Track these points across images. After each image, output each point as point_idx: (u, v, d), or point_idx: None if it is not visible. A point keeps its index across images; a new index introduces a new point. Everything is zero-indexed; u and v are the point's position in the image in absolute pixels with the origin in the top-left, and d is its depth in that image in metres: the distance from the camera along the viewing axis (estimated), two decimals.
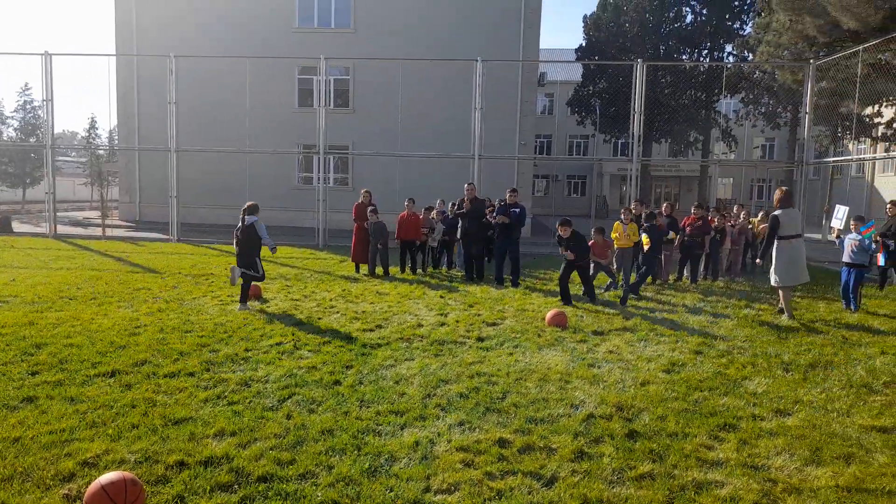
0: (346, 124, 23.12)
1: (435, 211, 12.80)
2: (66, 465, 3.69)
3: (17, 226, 21.08)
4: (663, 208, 11.78)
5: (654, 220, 10.62)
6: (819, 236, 20.09)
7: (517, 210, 10.90)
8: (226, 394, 4.99)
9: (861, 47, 14.07)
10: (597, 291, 10.28)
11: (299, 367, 5.74)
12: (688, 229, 11.64)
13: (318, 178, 18.23)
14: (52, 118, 18.50)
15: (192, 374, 5.46)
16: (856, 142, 27.51)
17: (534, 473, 3.74)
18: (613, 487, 3.60)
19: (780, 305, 8.87)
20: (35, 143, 33.17)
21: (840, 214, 10.51)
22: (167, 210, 18.35)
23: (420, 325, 7.64)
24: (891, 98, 19.07)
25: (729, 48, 34.72)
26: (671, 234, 11.26)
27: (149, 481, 3.51)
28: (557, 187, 48.67)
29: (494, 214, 11.19)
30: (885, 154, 21.09)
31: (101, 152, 42.96)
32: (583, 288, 9.72)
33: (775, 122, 32.50)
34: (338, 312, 8.33)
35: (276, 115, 23.15)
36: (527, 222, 23.06)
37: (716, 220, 12.01)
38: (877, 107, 21.37)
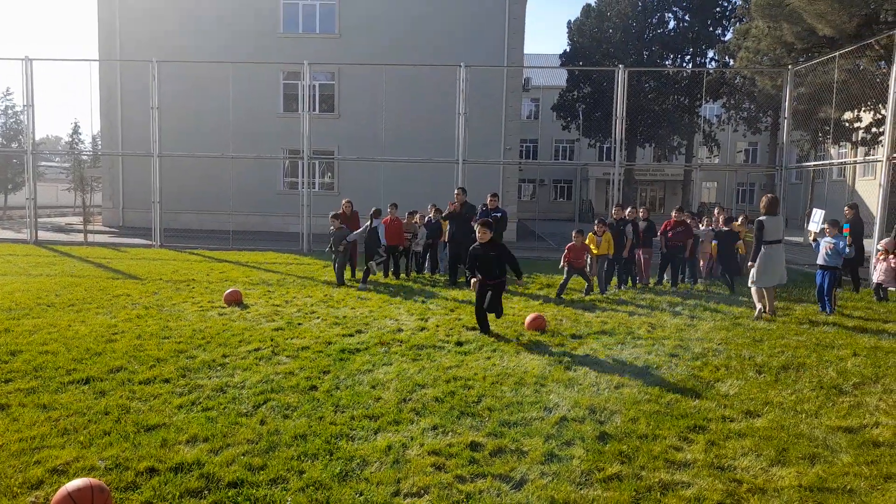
0: (332, 129, 23.15)
1: (418, 215, 12.84)
2: (35, 472, 3.68)
3: None
4: (641, 212, 11.89)
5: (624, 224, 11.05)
6: (801, 239, 20.34)
7: (498, 214, 10.96)
8: (200, 400, 4.98)
9: (837, 53, 14.31)
10: (578, 296, 10.38)
11: (276, 373, 5.75)
12: (669, 233, 11.76)
13: (303, 184, 18.22)
14: (33, 123, 18.37)
15: (167, 381, 5.45)
16: (836, 146, 27.91)
17: (503, 476, 3.79)
18: (581, 489, 3.65)
19: (758, 308, 9.04)
20: (16, 149, 32.84)
21: (816, 218, 10.67)
22: (150, 215, 18.25)
23: (400, 330, 7.66)
24: (868, 103, 19.39)
25: (711, 54, 35.16)
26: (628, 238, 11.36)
27: (118, 488, 3.51)
28: (544, 191, 48.96)
29: (476, 219, 11.26)
30: (863, 158, 21.43)
31: (84, 157, 42.63)
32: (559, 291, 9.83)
33: (756, 126, 32.92)
34: (318, 318, 8.34)
35: (261, 120, 23.13)
36: (513, 227, 23.32)
37: (697, 223, 12.16)
38: (856, 112, 21.72)
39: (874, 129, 22.29)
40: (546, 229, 30.43)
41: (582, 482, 3.74)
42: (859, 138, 23.47)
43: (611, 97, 17.33)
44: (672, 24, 35.57)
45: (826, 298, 9.39)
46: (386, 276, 12.18)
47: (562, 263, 10.58)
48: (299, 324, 7.92)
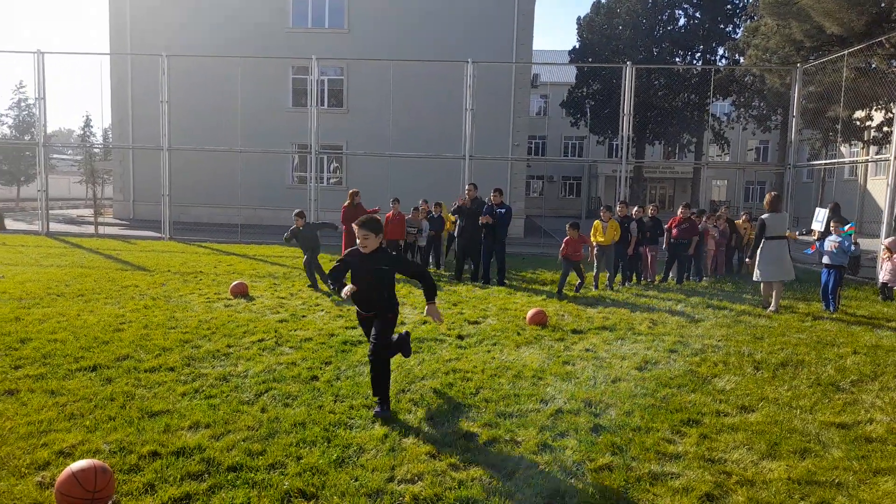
0: (340, 124, 23.25)
1: (421, 209, 12.92)
2: (42, 454, 3.80)
3: (10, 223, 21.15)
4: (650, 210, 11.91)
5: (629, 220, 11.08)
6: (811, 238, 20.26)
7: (502, 210, 11.01)
8: (204, 388, 5.10)
9: (846, 52, 14.23)
10: (582, 292, 10.41)
11: (279, 363, 5.85)
12: (674, 231, 11.79)
13: (311, 178, 18.33)
14: (45, 116, 18.60)
15: (172, 369, 5.57)
16: (848, 145, 27.69)
17: (496, 465, 3.86)
18: (571, 479, 3.72)
19: (763, 303, 9.17)
20: (28, 142, 33.19)
21: (820, 217, 10.69)
22: (160, 208, 18.44)
23: (402, 324, 7.74)
24: (880, 102, 19.25)
25: (721, 51, 34.95)
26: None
27: (121, 470, 3.62)
28: (553, 188, 48.89)
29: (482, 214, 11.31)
30: (873, 157, 21.26)
31: (95, 150, 43.00)
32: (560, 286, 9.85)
33: (766, 124, 32.72)
34: (322, 310, 8.44)
35: (270, 114, 23.27)
36: (520, 223, 23.32)
37: (702, 220, 12.18)
38: (867, 110, 21.55)
39: (885, 128, 22.11)
40: (554, 226, 30.40)
41: (573, 472, 3.81)
42: (871, 137, 23.28)
43: (620, 94, 17.32)
44: (682, 20, 35.38)
45: (830, 297, 9.40)
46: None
47: (559, 258, 10.56)
48: (303, 316, 8.03)
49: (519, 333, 7.37)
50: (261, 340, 6.68)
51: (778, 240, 9.23)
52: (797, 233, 10.43)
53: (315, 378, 5.45)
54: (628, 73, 16.55)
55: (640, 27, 34.52)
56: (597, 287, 10.90)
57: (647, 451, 4.11)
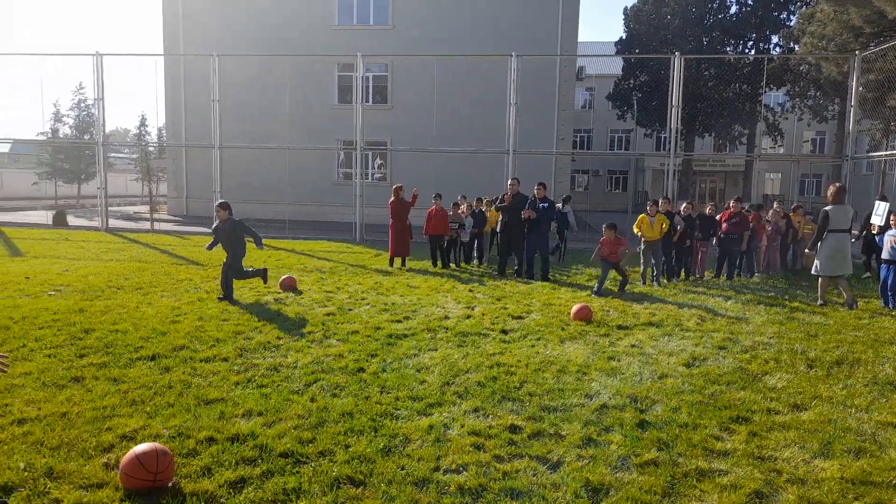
0: (385, 120, 23.46)
1: (464, 206, 12.95)
2: (107, 437, 4.01)
3: (72, 219, 22.13)
4: (682, 208, 11.60)
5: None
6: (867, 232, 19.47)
7: (545, 205, 10.95)
8: (256, 378, 5.27)
9: None
10: (627, 288, 10.27)
11: (327, 355, 6.00)
12: (724, 225, 11.51)
13: (356, 174, 18.58)
14: (104, 116, 19.35)
15: (225, 360, 5.77)
16: None
17: (540, 457, 3.89)
18: (616, 472, 3.72)
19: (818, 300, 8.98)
20: (88, 141, 34.60)
21: (880, 211, 10.27)
22: (212, 205, 18.97)
23: (447, 318, 7.82)
24: None
25: (775, 39, 33.77)
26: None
27: (180, 454, 3.80)
28: (598, 182, 48.20)
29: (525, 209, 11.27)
30: None
31: (150, 149, 44.50)
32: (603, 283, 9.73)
33: (822, 115, 31.51)
34: (368, 304, 8.59)
35: (317, 111, 23.65)
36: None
37: (762, 215, 11.90)
38: None
39: None
40: (600, 221, 30.05)
41: (618, 466, 3.81)
42: None
43: (668, 85, 16.96)
44: (734, 8, 34.28)
45: (889, 293, 9.06)
46: (434, 265, 12.34)
47: (593, 257, 10.37)
48: (350, 309, 8.19)
49: (563, 329, 7.35)
50: (309, 333, 6.86)
51: (841, 233, 9.00)
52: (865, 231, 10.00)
53: (362, 370, 5.58)
54: (677, 64, 16.21)
55: (690, 16, 33.63)
56: (644, 283, 10.75)
57: (695, 448, 4.07)
